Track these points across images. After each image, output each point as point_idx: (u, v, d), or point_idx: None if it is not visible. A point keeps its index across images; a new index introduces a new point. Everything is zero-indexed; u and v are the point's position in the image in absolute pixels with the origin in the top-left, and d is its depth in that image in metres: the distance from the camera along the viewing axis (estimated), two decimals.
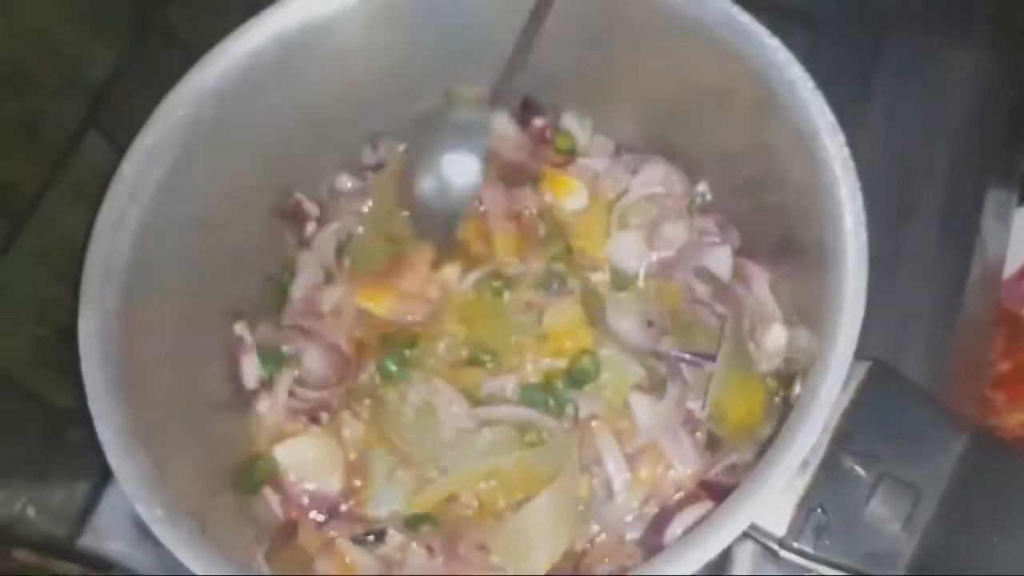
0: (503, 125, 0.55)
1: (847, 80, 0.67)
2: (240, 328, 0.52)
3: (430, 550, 0.47)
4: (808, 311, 0.44)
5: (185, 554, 0.38)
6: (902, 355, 0.55)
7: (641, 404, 0.48)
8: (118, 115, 0.53)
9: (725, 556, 0.53)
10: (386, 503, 0.49)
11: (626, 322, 0.51)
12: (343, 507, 0.49)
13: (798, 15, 0.68)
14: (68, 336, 0.44)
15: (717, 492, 0.42)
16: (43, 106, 0.50)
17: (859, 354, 0.43)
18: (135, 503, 0.39)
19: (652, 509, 0.46)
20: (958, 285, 0.64)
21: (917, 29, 0.69)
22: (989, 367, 0.77)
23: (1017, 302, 0.78)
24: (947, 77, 0.68)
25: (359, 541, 0.47)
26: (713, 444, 0.47)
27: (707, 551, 0.36)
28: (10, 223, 0.49)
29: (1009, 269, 0.79)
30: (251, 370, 0.52)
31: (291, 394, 0.52)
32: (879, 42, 0.69)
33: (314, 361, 0.52)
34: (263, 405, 0.51)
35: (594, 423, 0.49)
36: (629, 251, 0.53)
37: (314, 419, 0.51)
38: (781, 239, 0.48)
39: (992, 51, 0.69)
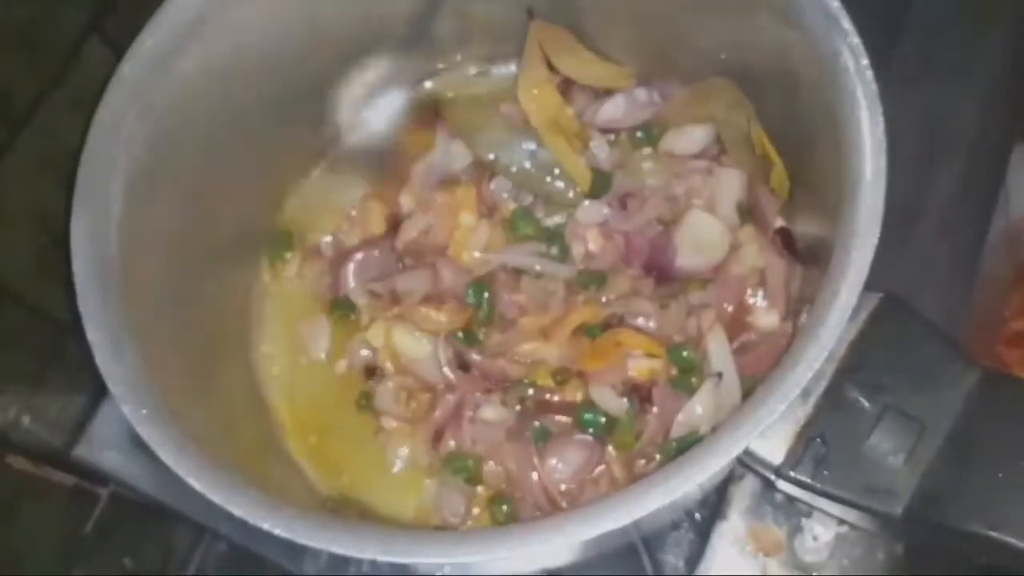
0: None
1: (880, 22, 0.65)
2: None
3: None
4: (822, 243, 0.43)
5: (169, 455, 0.38)
6: (919, 300, 0.54)
7: None
8: (122, 19, 0.52)
9: (722, 497, 0.53)
10: None
11: None
12: None
13: None
14: (68, 247, 0.43)
15: None
16: (44, 10, 0.49)
17: (872, 288, 0.42)
18: (121, 404, 0.39)
19: None
20: (979, 237, 0.62)
21: None
22: (1004, 324, 0.76)
23: None
24: (981, 26, 0.66)
25: None
26: None
27: (701, 472, 0.35)
28: (7, 130, 0.48)
29: None
30: None
31: None
32: None
33: None
34: None
35: None
36: None
37: None
38: (797, 166, 0.47)
39: None
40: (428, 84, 0.59)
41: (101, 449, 0.55)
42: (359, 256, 0.55)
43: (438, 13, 0.54)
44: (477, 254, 0.53)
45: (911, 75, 0.64)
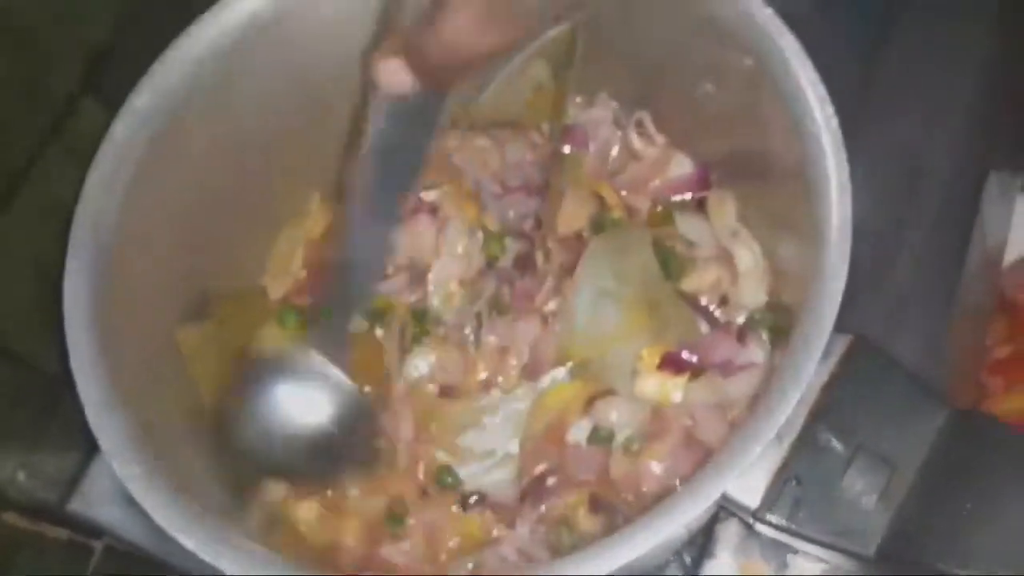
0: None
1: (854, 56, 0.66)
2: None
3: None
4: (793, 285, 0.44)
5: (160, 513, 0.38)
6: (898, 337, 0.55)
7: None
8: (116, 78, 0.52)
9: (709, 536, 0.53)
10: None
11: None
12: None
13: None
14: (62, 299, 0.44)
15: None
16: (42, 67, 0.50)
17: (846, 330, 0.43)
18: (112, 460, 0.40)
19: None
20: (957, 268, 0.63)
21: (925, 9, 0.68)
22: (987, 353, 0.76)
23: (1017, 288, 0.78)
24: (954, 56, 0.67)
25: None
26: None
27: (679, 519, 0.35)
28: (7, 183, 0.49)
29: (1012, 255, 0.78)
30: None
31: None
32: (887, 18, 0.68)
33: None
34: None
35: None
36: None
37: None
38: (768, 211, 0.48)
39: (999, 32, 0.68)
40: None
41: (95, 503, 0.56)
42: None
43: None
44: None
45: (885, 111, 0.65)
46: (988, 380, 0.76)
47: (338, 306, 0.47)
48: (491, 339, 0.52)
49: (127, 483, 0.39)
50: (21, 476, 0.53)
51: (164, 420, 0.44)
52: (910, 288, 0.60)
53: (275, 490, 0.50)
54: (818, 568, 0.52)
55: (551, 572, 0.37)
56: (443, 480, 0.52)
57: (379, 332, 0.54)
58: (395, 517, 0.51)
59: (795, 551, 0.52)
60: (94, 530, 0.57)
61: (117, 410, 0.41)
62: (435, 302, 0.54)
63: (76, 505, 0.56)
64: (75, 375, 0.42)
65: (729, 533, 0.52)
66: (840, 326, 0.41)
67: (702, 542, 0.53)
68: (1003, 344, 0.77)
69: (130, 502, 0.53)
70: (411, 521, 0.51)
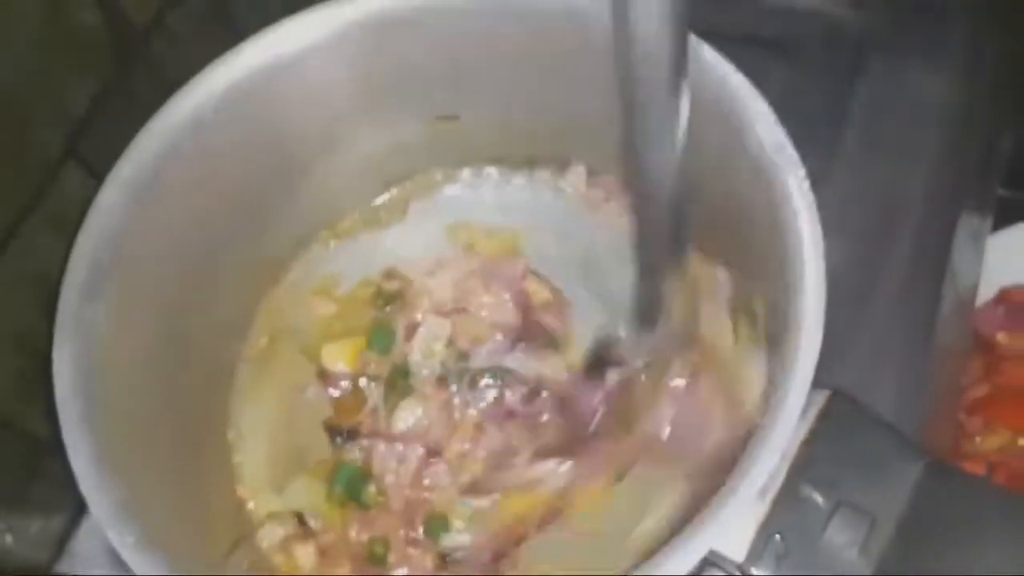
0: None
1: (823, 108, 0.68)
2: None
3: None
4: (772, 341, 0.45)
5: None
6: (875, 385, 0.56)
7: None
8: (98, 145, 0.53)
9: None
10: None
11: None
12: None
13: (772, 44, 0.70)
14: (47, 365, 0.44)
15: None
16: (23, 135, 0.50)
17: (827, 384, 0.44)
18: (106, 530, 0.40)
19: None
20: (931, 310, 0.64)
21: (893, 57, 0.70)
22: (964, 393, 0.78)
23: (992, 328, 0.79)
24: (923, 104, 0.69)
25: None
26: None
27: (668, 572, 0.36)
28: None
29: (984, 295, 0.80)
30: None
31: None
32: (855, 70, 0.70)
33: None
34: None
35: None
36: None
37: None
38: (744, 271, 0.49)
39: (967, 79, 0.70)
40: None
41: (83, 566, 0.56)
42: None
43: None
44: None
45: (859, 156, 0.67)
46: (966, 420, 0.77)
47: None
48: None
49: (122, 551, 0.39)
50: (8, 539, 0.53)
51: (154, 490, 0.45)
52: (886, 335, 0.61)
53: (274, 532, 0.52)
54: None
55: None
56: (434, 531, 0.52)
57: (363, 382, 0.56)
58: (376, 556, 0.52)
59: None
60: None
61: (109, 482, 0.42)
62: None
63: (63, 567, 0.56)
64: (68, 449, 0.42)
65: None
66: (817, 379, 0.42)
67: None
68: (980, 383, 0.78)
69: (120, 564, 0.54)
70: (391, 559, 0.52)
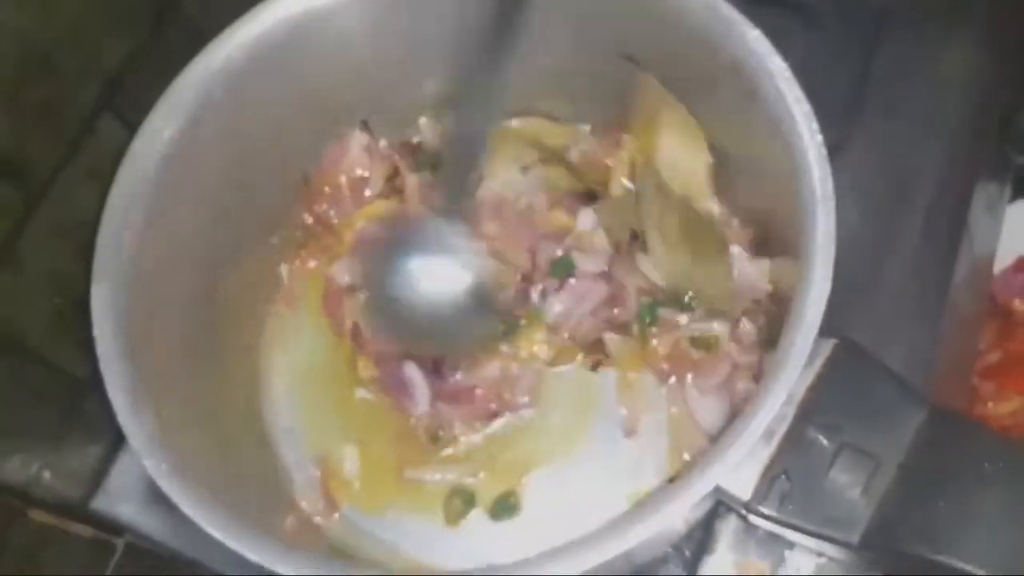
0: None
1: (842, 75, 0.68)
2: None
3: None
4: (782, 292, 0.47)
5: (189, 507, 0.41)
6: (887, 344, 0.57)
7: None
8: (132, 99, 0.55)
9: (708, 532, 0.56)
10: None
11: None
12: None
13: (794, 9, 0.70)
14: (83, 308, 0.46)
15: None
16: (61, 90, 0.52)
17: (835, 335, 0.45)
18: (143, 459, 0.42)
19: None
20: (946, 276, 0.65)
21: (914, 25, 0.70)
22: (978, 358, 0.78)
23: (1009, 295, 0.80)
24: (942, 73, 0.69)
25: None
26: None
27: (676, 509, 0.38)
28: (28, 200, 0.51)
29: (1002, 263, 0.80)
30: None
31: None
32: (876, 37, 0.70)
33: None
34: None
35: None
36: None
37: None
38: (757, 225, 0.50)
39: (987, 48, 0.70)
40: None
41: (117, 501, 0.57)
42: None
43: None
44: None
45: (878, 123, 0.67)
46: (980, 384, 0.78)
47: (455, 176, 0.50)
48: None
49: (158, 480, 0.41)
50: (46, 475, 0.55)
51: (185, 421, 0.47)
52: (899, 297, 0.61)
53: (351, 457, 0.54)
54: (812, 565, 0.54)
55: (558, 557, 0.39)
56: None
57: None
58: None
59: (791, 547, 0.54)
60: (116, 528, 0.58)
61: (144, 413, 0.43)
62: None
63: (99, 503, 0.58)
64: (105, 383, 0.44)
65: (727, 530, 0.55)
66: (830, 332, 0.43)
67: (701, 538, 0.55)
68: (994, 349, 0.79)
69: (151, 500, 0.56)
70: None
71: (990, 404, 0.77)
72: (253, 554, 0.39)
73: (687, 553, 0.57)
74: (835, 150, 0.45)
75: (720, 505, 0.50)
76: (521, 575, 0.40)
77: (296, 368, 0.58)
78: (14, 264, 0.50)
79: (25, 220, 0.51)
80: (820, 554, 0.54)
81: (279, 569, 0.39)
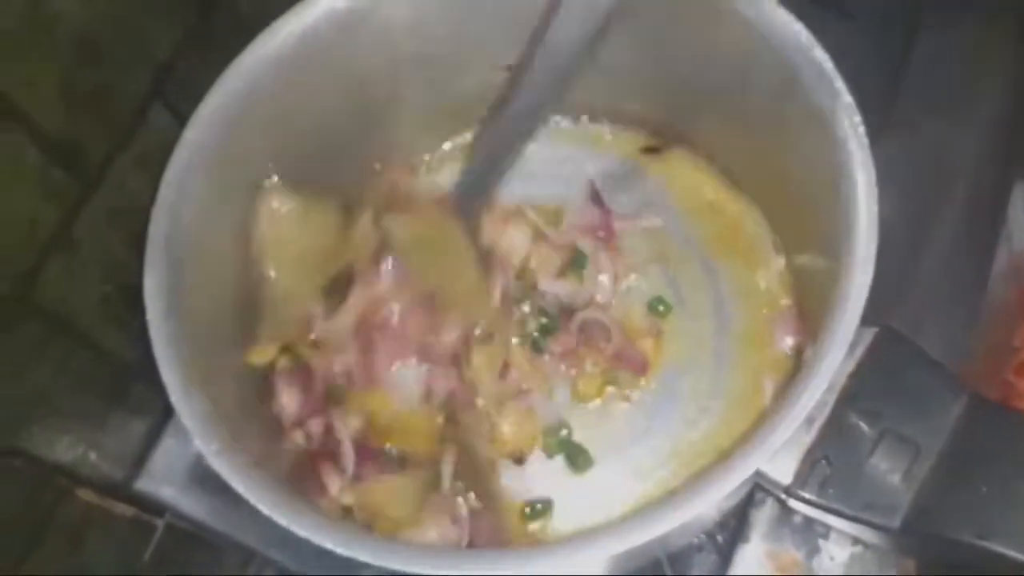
0: None
1: (879, 67, 0.68)
2: None
3: None
4: (820, 283, 0.47)
5: (239, 483, 0.42)
6: (923, 334, 0.57)
7: None
8: (182, 88, 0.56)
9: (743, 521, 0.56)
10: None
11: None
12: None
13: (832, 2, 0.70)
14: (132, 294, 0.48)
15: None
16: (113, 78, 0.53)
17: (871, 322, 0.45)
18: (194, 437, 0.43)
19: None
20: (983, 270, 0.65)
21: (951, 19, 0.70)
22: (1013, 353, 0.78)
23: None
24: (979, 67, 0.69)
25: None
26: None
27: (717, 493, 0.39)
28: (82, 187, 0.52)
29: None
30: None
31: None
32: (913, 31, 0.70)
33: None
34: None
35: None
36: None
37: None
38: (798, 216, 0.51)
39: None
40: None
41: (159, 483, 0.59)
42: None
43: None
44: None
45: (914, 115, 0.67)
46: (1016, 381, 0.77)
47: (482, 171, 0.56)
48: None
49: (209, 458, 0.42)
50: (92, 455, 0.56)
51: (236, 404, 0.48)
52: (936, 288, 0.62)
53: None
54: (847, 554, 0.55)
55: (594, 539, 0.40)
56: None
57: None
58: None
59: (826, 536, 0.55)
60: (158, 508, 0.60)
61: (195, 395, 0.44)
62: None
63: (142, 484, 0.59)
64: (159, 364, 0.45)
65: (762, 518, 0.55)
66: (868, 321, 0.44)
67: (735, 526, 0.56)
68: None
69: (192, 482, 0.57)
70: None
71: None
72: (303, 530, 0.40)
73: (720, 540, 0.57)
74: (870, 141, 0.45)
75: (756, 493, 0.51)
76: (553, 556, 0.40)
77: None
78: (70, 248, 0.51)
79: (80, 205, 0.52)
80: (855, 542, 0.54)
81: (327, 544, 0.40)
